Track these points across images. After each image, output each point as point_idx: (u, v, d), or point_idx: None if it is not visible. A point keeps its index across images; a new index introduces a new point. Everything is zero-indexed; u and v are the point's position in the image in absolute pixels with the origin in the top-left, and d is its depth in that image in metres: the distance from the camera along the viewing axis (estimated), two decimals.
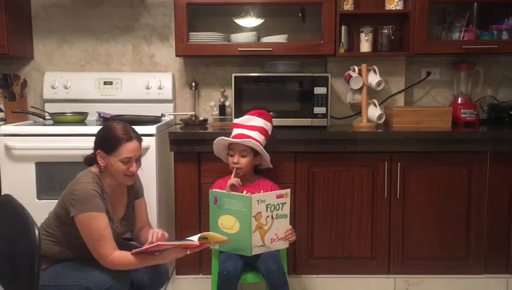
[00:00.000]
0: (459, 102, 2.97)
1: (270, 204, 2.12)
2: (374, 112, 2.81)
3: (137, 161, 2.04)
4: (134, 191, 2.17)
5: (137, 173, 2.08)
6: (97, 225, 1.89)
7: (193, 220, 2.57)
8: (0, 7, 2.73)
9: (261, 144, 2.27)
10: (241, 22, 2.99)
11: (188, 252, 1.93)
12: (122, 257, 1.90)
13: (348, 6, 2.82)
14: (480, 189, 2.59)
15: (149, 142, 2.46)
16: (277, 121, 2.63)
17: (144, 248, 1.91)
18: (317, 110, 2.70)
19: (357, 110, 2.99)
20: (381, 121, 2.81)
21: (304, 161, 2.57)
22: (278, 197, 2.14)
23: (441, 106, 3.08)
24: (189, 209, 2.58)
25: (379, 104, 2.86)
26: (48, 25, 3.07)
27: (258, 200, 2.09)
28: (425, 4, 2.73)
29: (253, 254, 2.12)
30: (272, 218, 2.13)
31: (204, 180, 2.55)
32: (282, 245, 2.21)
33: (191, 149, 2.53)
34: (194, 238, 1.92)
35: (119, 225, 2.07)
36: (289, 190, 2.17)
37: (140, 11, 3.07)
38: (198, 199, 2.56)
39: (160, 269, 2.13)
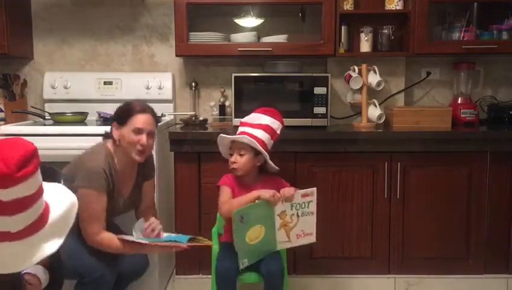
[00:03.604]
0: (459, 102, 2.97)
1: (295, 203, 2.08)
2: (374, 112, 2.81)
3: (150, 135, 2.05)
4: (144, 174, 2.18)
5: (152, 153, 2.12)
6: (95, 204, 1.92)
7: (193, 220, 2.57)
8: (0, 7, 2.73)
9: (264, 142, 2.15)
10: (241, 22, 2.99)
11: (173, 251, 1.99)
12: (109, 240, 1.93)
13: (348, 6, 2.82)
14: (480, 189, 2.59)
15: None
16: None
17: (132, 238, 1.95)
18: (317, 110, 2.70)
19: (357, 110, 2.99)
20: (381, 121, 2.81)
21: (304, 161, 2.57)
22: (303, 196, 2.09)
23: (441, 106, 3.08)
24: (189, 209, 2.58)
25: (379, 104, 2.86)
26: (48, 25, 3.07)
27: (281, 200, 2.07)
28: (425, 4, 2.73)
29: (278, 249, 2.13)
30: (298, 216, 2.09)
31: (204, 180, 2.55)
32: (309, 240, 2.16)
33: (191, 149, 2.53)
34: (183, 239, 1.96)
35: (122, 203, 2.09)
36: (315, 188, 2.11)
37: (140, 11, 3.07)
38: (198, 199, 2.56)
39: (140, 259, 2.17)
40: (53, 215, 1.23)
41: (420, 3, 2.73)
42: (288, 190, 2.10)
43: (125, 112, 2.04)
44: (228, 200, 2.15)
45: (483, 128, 2.82)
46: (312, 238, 2.15)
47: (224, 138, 2.22)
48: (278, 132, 2.21)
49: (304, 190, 2.10)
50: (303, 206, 2.09)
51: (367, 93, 2.83)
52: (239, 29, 2.99)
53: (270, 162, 2.19)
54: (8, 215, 1.10)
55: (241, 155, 2.16)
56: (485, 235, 2.62)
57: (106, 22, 3.07)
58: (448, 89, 3.10)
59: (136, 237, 2.01)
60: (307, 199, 2.10)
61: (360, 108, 2.89)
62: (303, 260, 2.62)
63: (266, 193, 2.06)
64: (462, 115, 2.87)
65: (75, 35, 3.08)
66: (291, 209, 2.08)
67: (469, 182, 2.59)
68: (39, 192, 1.16)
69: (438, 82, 3.11)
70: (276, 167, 2.22)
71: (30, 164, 1.11)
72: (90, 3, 3.05)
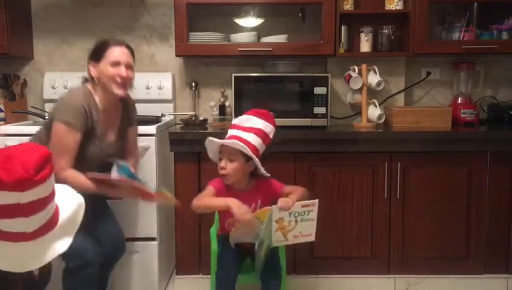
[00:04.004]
0: (459, 102, 2.97)
1: (294, 212, 2.01)
2: (374, 112, 2.81)
3: (129, 68, 2.05)
4: (129, 118, 2.19)
5: (133, 99, 2.15)
6: (68, 139, 1.93)
7: (193, 220, 2.57)
8: (0, 7, 2.73)
9: (255, 147, 2.01)
10: (241, 22, 2.99)
11: (141, 199, 1.99)
12: (73, 178, 1.91)
13: (348, 6, 2.82)
14: (480, 189, 2.59)
15: (149, 142, 2.46)
16: (277, 121, 2.60)
17: (101, 175, 1.94)
18: (317, 110, 2.70)
19: (357, 110, 2.99)
20: (381, 121, 2.81)
21: (304, 161, 2.57)
22: (304, 206, 2.01)
23: (441, 106, 3.08)
24: (189, 209, 2.57)
25: (379, 104, 2.86)
26: (48, 25, 3.07)
27: (279, 209, 1.99)
28: (425, 4, 2.73)
29: (274, 245, 2.07)
30: (296, 221, 2.03)
31: (204, 180, 2.54)
32: (307, 239, 2.09)
33: (191, 149, 2.53)
34: (151, 188, 1.98)
35: (107, 148, 2.07)
36: (317, 200, 2.02)
37: (140, 11, 3.07)
38: None
39: (119, 243, 2.21)
40: (62, 215, 1.30)
41: (420, 3, 2.73)
42: (285, 202, 1.98)
43: (99, 47, 2.04)
44: (202, 196, 2.08)
45: (483, 128, 2.82)
46: (311, 238, 2.09)
47: (213, 142, 2.06)
48: (271, 136, 2.09)
49: (305, 202, 2.02)
50: (302, 214, 2.03)
51: (367, 93, 2.83)
52: (239, 29, 2.99)
53: (262, 169, 2.07)
54: (25, 216, 1.16)
55: (231, 161, 2.03)
56: (485, 235, 2.62)
57: (106, 22, 3.07)
58: (448, 89, 3.10)
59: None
60: (308, 208, 2.02)
61: (360, 108, 2.89)
62: (303, 260, 2.62)
63: (236, 209, 1.93)
64: (462, 115, 2.87)
65: (75, 35, 3.08)
66: (290, 216, 2.01)
67: (469, 182, 2.59)
68: (52, 194, 1.23)
69: (438, 82, 3.11)
70: (268, 174, 2.11)
71: (46, 167, 1.18)
72: (90, 3, 3.05)
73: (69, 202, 1.35)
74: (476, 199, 2.60)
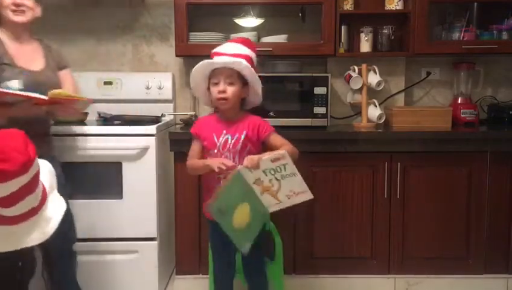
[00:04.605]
0: (459, 102, 2.97)
1: (267, 169, 1.85)
2: (374, 112, 2.81)
3: None
4: (54, 60, 2.17)
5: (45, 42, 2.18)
6: None
7: (193, 220, 2.57)
8: None
9: (252, 72, 1.94)
10: (241, 22, 2.99)
11: (35, 104, 1.89)
12: None
13: (348, 6, 2.82)
14: (480, 189, 2.59)
15: (149, 142, 2.46)
16: (277, 121, 2.63)
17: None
18: (317, 110, 2.70)
19: (357, 110, 2.99)
20: (381, 121, 2.81)
21: (304, 161, 2.55)
22: (274, 161, 1.84)
23: (441, 106, 3.08)
24: (189, 209, 2.58)
25: (379, 104, 2.86)
26: (48, 25, 3.06)
27: (249, 170, 1.84)
28: (425, 4, 2.73)
29: (272, 211, 1.94)
30: (277, 179, 1.88)
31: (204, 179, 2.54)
32: (304, 198, 1.95)
33: None
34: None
35: (26, 77, 2.01)
36: (284, 151, 1.86)
37: (140, 11, 3.07)
38: (198, 199, 2.56)
39: (69, 234, 2.14)
40: (45, 183, 1.47)
41: (420, 3, 2.73)
42: (250, 160, 1.83)
43: None
44: (190, 159, 2.04)
45: (483, 128, 2.82)
46: (307, 195, 1.94)
47: (208, 65, 1.93)
48: (254, 62, 2.00)
49: (273, 155, 1.84)
50: (279, 170, 1.86)
51: (367, 93, 2.83)
52: (239, 29, 2.99)
53: (259, 95, 2.02)
54: (32, 192, 1.32)
55: (230, 84, 1.92)
56: (485, 235, 2.62)
57: (106, 22, 3.06)
58: (448, 89, 3.10)
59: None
60: (280, 162, 1.85)
61: (360, 108, 2.89)
62: (303, 260, 2.62)
63: (212, 164, 1.87)
64: (462, 115, 2.87)
65: (75, 35, 3.08)
66: (266, 175, 1.86)
67: (469, 182, 2.59)
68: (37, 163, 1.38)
69: (438, 82, 3.11)
70: (258, 100, 2.04)
71: (28, 143, 1.32)
72: (90, 3, 3.05)
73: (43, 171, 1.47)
74: (476, 199, 2.60)
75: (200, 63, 1.93)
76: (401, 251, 2.63)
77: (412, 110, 2.85)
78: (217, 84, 1.92)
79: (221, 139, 1.98)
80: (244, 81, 1.95)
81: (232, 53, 1.93)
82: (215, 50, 1.99)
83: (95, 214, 2.47)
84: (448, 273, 2.64)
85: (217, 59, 1.94)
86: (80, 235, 2.24)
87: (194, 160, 2.03)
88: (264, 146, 2.04)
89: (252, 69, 1.91)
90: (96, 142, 2.44)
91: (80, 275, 2.24)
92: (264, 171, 1.85)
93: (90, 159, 2.45)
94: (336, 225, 2.60)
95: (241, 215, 1.90)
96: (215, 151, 1.98)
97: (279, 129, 2.54)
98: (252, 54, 1.98)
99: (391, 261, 2.64)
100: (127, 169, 2.46)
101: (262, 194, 1.91)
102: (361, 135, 2.60)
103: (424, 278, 2.65)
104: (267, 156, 1.83)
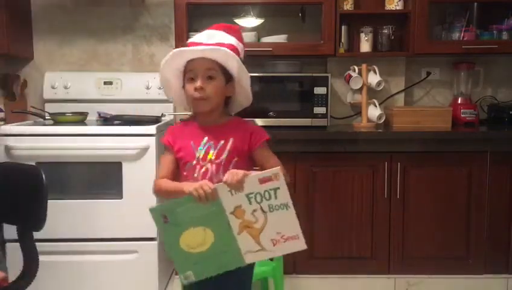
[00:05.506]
0: (459, 102, 2.97)
1: (252, 193, 1.39)
2: (374, 112, 2.81)
3: None
4: None
5: None
6: None
7: None
8: (0, 7, 2.73)
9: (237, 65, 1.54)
10: (241, 22, 2.99)
11: None
12: None
13: (348, 6, 2.82)
14: (480, 189, 2.59)
15: (149, 142, 2.46)
16: (277, 121, 2.63)
17: None
18: (317, 110, 2.70)
19: (357, 110, 2.99)
20: (381, 121, 2.81)
21: (304, 161, 2.57)
22: (263, 181, 1.38)
23: (441, 106, 3.08)
24: None
25: (379, 104, 2.86)
26: (48, 25, 3.07)
27: (230, 191, 1.39)
28: (425, 4, 2.73)
29: (248, 262, 1.45)
30: (263, 211, 1.41)
31: None
32: (294, 246, 1.48)
33: None
34: None
35: None
36: (278, 168, 1.40)
37: (140, 11, 3.07)
38: None
39: None
40: None
41: (420, 3, 2.73)
42: (232, 175, 1.38)
43: None
44: (159, 179, 1.57)
45: (483, 128, 2.82)
46: (299, 243, 1.47)
47: (180, 54, 1.51)
48: (242, 55, 1.60)
49: (262, 173, 1.40)
50: (267, 197, 1.40)
51: (367, 93, 2.83)
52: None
53: (248, 95, 1.60)
54: None
55: (210, 78, 1.52)
56: (485, 235, 2.62)
57: (106, 22, 3.06)
58: (448, 89, 3.10)
59: None
60: (270, 185, 1.39)
61: (360, 108, 2.89)
62: (303, 260, 2.62)
63: (189, 188, 1.40)
64: (462, 115, 2.87)
65: (75, 35, 3.07)
66: (249, 202, 1.40)
67: (469, 182, 2.59)
68: None
69: (438, 82, 3.11)
70: (247, 101, 1.62)
71: None
72: (90, 3, 3.05)
73: None
74: (476, 199, 2.60)
75: (170, 53, 1.51)
76: (401, 251, 2.63)
77: (412, 110, 2.85)
78: (193, 80, 1.52)
79: (202, 149, 1.55)
80: (228, 77, 1.56)
81: (212, 42, 1.52)
82: (191, 40, 1.58)
83: (95, 214, 2.46)
84: (448, 273, 2.65)
85: (192, 47, 1.53)
86: (79, 235, 2.25)
87: (163, 181, 1.55)
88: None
89: (239, 60, 1.52)
90: (96, 142, 2.43)
91: (80, 275, 2.24)
92: (247, 196, 1.39)
93: (90, 159, 2.45)
94: (336, 225, 2.60)
95: (195, 239, 1.45)
96: (194, 163, 1.54)
97: (280, 129, 2.55)
98: (239, 45, 1.58)
99: (391, 261, 2.64)
100: (127, 169, 2.46)
101: (240, 233, 1.42)
102: (361, 135, 2.60)
103: (424, 278, 2.65)
104: (254, 173, 1.41)
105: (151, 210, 1.44)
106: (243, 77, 1.57)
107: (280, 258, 2.29)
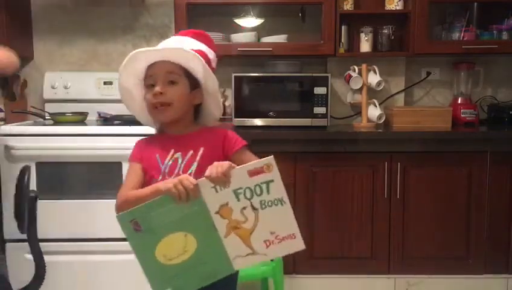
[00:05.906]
0: (459, 102, 2.97)
1: (240, 188, 1.21)
2: (374, 112, 2.81)
3: None
4: None
5: None
6: None
7: None
8: (0, 7, 2.73)
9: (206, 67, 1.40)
10: (241, 22, 2.99)
11: None
12: None
13: (348, 6, 2.82)
14: (480, 189, 2.59)
15: None
16: (277, 121, 2.63)
17: None
18: (317, 110, 2.70)
19: (357, 110, 2.99)
20: (381, 121, 2.81)
21: (304, 161, 2.57)
22: (253, 174, 1.20)
23: (441, 106, 3.08)
24: None
25: (379, 104, 2.86)
26: (48, 25, 3.07)
27: (214, 187, 1.20)
28: (425, 4, 2.73)
29: (237, 268, 1.29)
30: (254, 209, 1.23)
31: None
32: (291, 247, 1.31)
33: None
34: None
35: None
36: (271, 157, 1.22)
37: (140, 11, 3.07)
38: None
39: None
40: None
41: (420, 3, 2.73)
42: (215, 167, 1.20)
43: None
44: (125, 190, 1.38)
45: (483, 128, 2.82)
46: (296, 243, 1.30)
47: (136, 56, 1.36)
48: (214, 65, 1.50)
49: (253, 163, 1.22)
50: (258, 192, 1.21)
51: (367, 93, 2.83)
52: (239, 29, 2.99)
53: (217, 105, 1.46)
54: None
55: (171, 83, 1.37)
56: (485, 235, 2.62)
57: (106, 22, 3.06)
58: (448, 89, 3.10)
59: None
60: (261, 177, 1.20)
61: (360, 108, 2.89)
62: (303, 260, 2.62)
63: (166, 185, 1.22)
64: (462, 115, 2.87)
65: (75, 35, 3.07)
66: (237, 199, 1.22)
67: (469, 182, 2.59)
68: None
69: (438, 82, 3.11)
70: (217, 113, 1.48)
71: None
72: (90, 3, 3.05)
73: None
74: (476, 199, 2.60)
75: (134, 52, 1.36)
76: (401, 251, 2.63)
77: (412, 110, 2.85)
78: (153, 86, 1.36)
79: (168, 162, 1.39)
80: (195, 83, 1.41)
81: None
82: (157, 47, 1.42)
83: (95, 214, 2.46)
84: (448, 273, 2.64)
85: (148, 48, 1.41)
86: (79, 235, 2.24)
87: (132, 191, 1.36)
88: None
89: (205, 62, 1.38)
90: (96, 142, 2.44)
91: (80, 275, 2.24)
92: (235, 192, 1.21)
93: (90, 159, 2.45)
94: (336, 225, 2.60)
95: (174, 248, 1.26)
96: (159, 179, 1.36)
97: (280, 129, 2.55)
98: (210, 52, 1.47)
99: (391, 261, 2.64)
100: (127, 169, 2.46)
101: (227, 236, 1.24)
102: (361, 135, 2.60)
103: (424, 278, 2.65)
104: (242, 165, 1.23)
105: (118, 217, 1.22)
106: (210, 82, 1.42)
107: (280, 258, 2.29)
